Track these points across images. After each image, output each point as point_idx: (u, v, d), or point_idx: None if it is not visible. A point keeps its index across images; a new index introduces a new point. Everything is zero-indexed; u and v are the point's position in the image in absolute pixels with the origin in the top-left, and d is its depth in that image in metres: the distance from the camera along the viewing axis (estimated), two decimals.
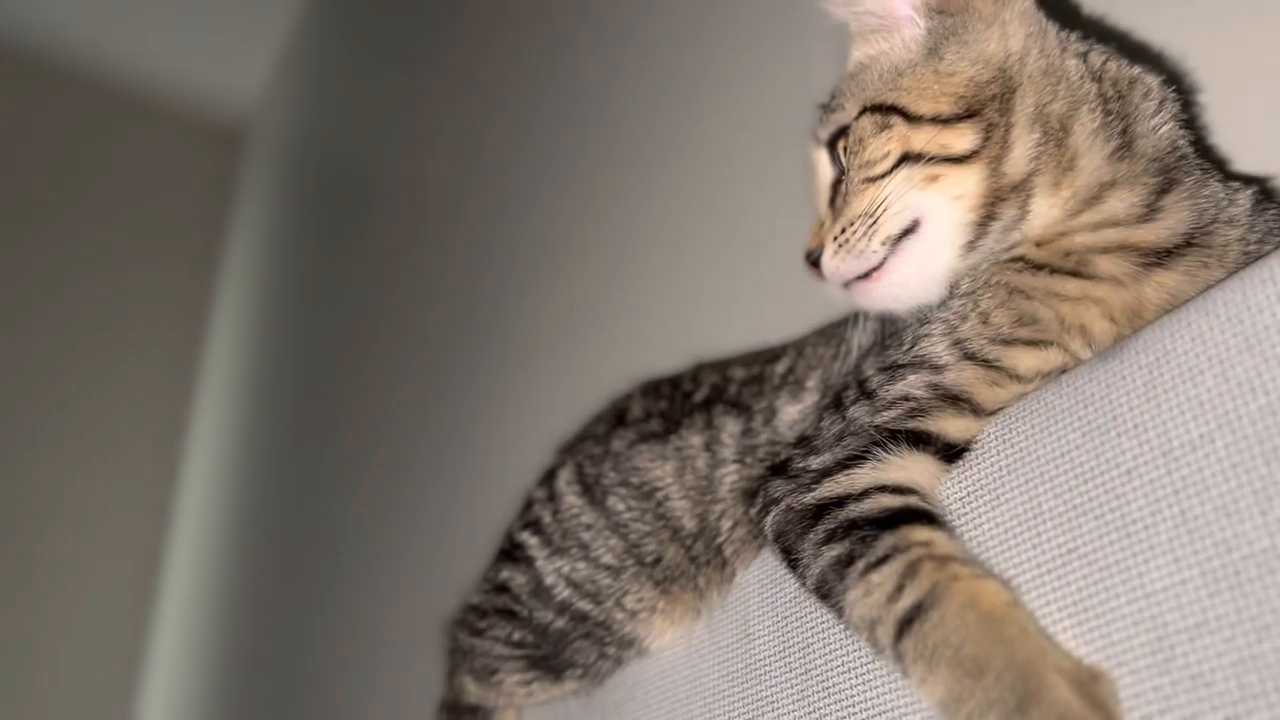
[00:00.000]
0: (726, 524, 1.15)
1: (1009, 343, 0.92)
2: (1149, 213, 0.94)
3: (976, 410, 0.93)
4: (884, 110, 0.98)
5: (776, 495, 1.00)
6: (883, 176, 0.96)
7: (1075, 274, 0.91)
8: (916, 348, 0.96)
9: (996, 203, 0.95)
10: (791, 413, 1.16)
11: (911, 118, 0.96)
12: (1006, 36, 0.97)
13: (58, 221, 5.21)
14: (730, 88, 1.67)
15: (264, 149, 5.31)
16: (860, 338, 1.11)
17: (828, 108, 1.07)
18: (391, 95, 3.10)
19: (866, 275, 0.98)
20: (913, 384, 0.94)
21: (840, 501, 0.92)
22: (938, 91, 0.96)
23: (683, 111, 1.74)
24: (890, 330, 1.09)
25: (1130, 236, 0.93)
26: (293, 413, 3.64)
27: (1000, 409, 0.93)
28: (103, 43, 5.26)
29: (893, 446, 0.92)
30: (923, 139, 0.95)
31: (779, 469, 1.04)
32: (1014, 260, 0.94)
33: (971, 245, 0.96)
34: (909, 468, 0.93)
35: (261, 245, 4.87)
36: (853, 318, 1.22)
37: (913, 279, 0.97)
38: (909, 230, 0.96)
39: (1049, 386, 0.89)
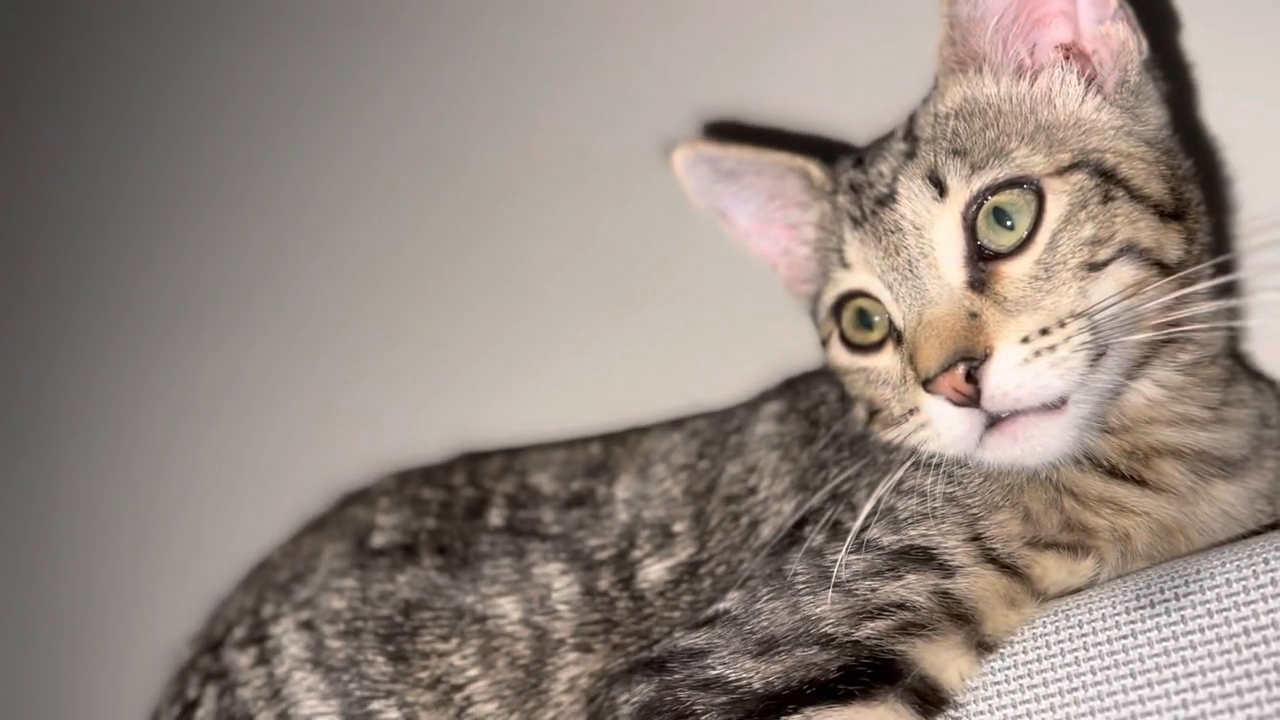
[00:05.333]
0: None
1: (1046, 546, 0.75)
2: (1218, 410, 0.79)
3: (975, 638, 0.74)
4: (1105, 175, 0.73)
5: (688, 709, 0.73)
6: (1102, 266, 0.71)
7: (1137, 480, 0.76)
8: (916, 532, 0.74)
9: (1158, 348, 0.74)
10: (659, 573, 0.88)
11: (1136, 196, 0.73)
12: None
13: None
14: None
15: None
16: (769, 471, 0.88)
17: (960, 150, 0.76)
18: None
19: (1050, 409, 0.70)
20: (913, 587, 0.73)
21: None
22: (1153, 172, 0.75)
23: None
24: (812, 461, 0.87)
25: (1203, 442, 0.77)
26: None
27: (995, 641, 0.75)
28: None
29: (865, 678, 0.71)
30: (1149, 230, 0.73)
31: (682, 661, 0.76)
32: None
33: (1115, 395, 0.74)
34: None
35: None
36: (730, 434, 0.94)
37: (1079, 426, 0.72)
38: (1100, 354, 0.71)
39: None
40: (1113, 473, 0.76)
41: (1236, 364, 0.84)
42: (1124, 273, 0.72)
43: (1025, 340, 0.69)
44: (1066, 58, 0.79)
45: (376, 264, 1.26)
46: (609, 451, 1.00)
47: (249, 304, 1.31)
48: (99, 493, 1.39)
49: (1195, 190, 0.79)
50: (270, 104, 1.34)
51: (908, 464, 0.76)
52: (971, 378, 0.69)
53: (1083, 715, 0.68)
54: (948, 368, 0.69)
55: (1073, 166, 0.73)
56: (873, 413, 0.81)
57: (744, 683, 0.73)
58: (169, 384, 1.35)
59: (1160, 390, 0.76)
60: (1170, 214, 0.75)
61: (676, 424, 1.02)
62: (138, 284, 1.38)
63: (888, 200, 0.77)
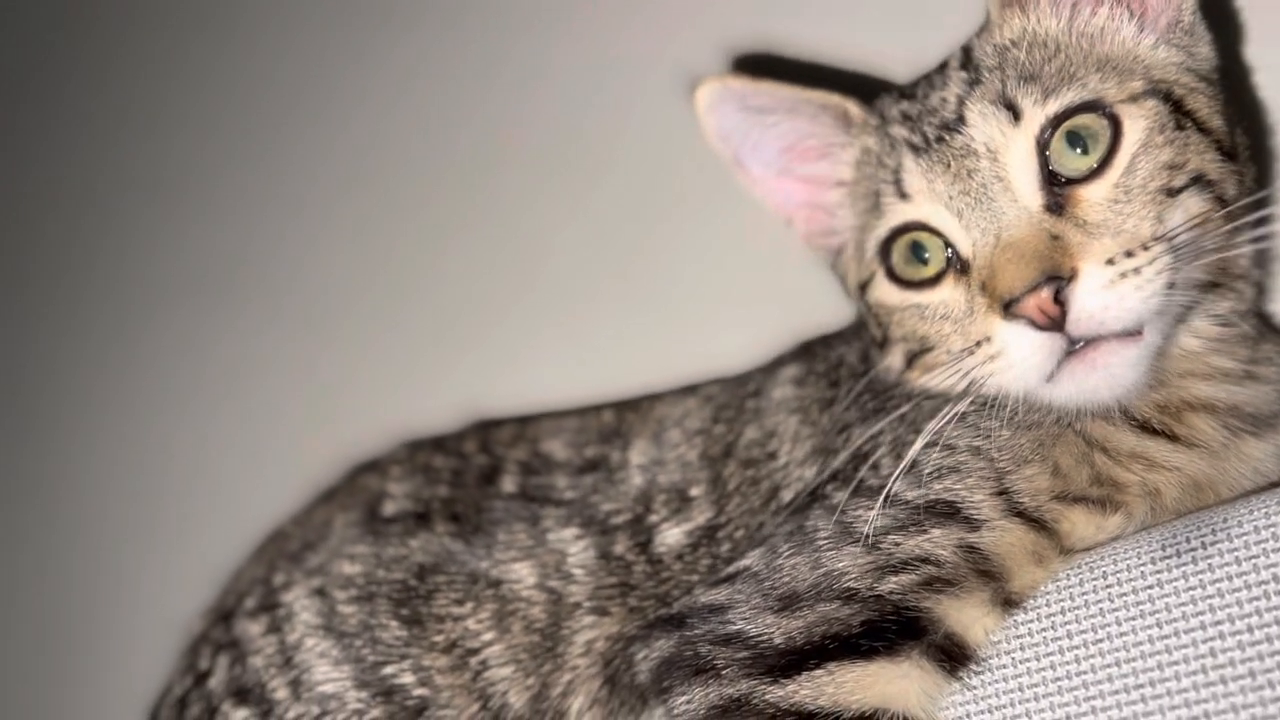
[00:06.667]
0: (577, 703, 0.83)
1: (1075, 501, 0.74)
2: (1249, 366, 0.78)
3: (1001, 594, 0.74)
4: (1175, 104, 0.74)
5: (708, 663, 0.73)
6: (1177, 193, 0.72)
7: (1168, 435, 0.75)
8: (941, 486, 0.74)
9: (1203, 293, 0.75)
10: (676, 536, 0.88)
11: (1202, 129, 0.74)
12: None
13: None
14: None
15: None
16: (789, 436, 0.87)
17: (1030, 76, 0.75)
18: None
19: (1128, 336, 0.70)
20: (939, 541, 0.72)
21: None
22: (1214, 108, 0.76)
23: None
24: (832, 423, 0.86)
25: (1235, 397, 0.77)
26: None
27: (1021, 598, 0.74)
28: None
29: (890, 634, 0.71)
30: (1214, 163, 0.74)
31: (702, 617, 0.76)
32: None
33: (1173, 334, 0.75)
34: (910, 677, 0.71)
35: None
36: (747, 399, 0.93)
37: (1150, 356, 0.72)
38: (1172, 284, 0.71)
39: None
40: (1145, 428, 0.75)
41: (1263, 323, 0.84)
42: (1193, 203, 0.73)
43: (1110, 262, 0.69)
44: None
45: (386, 235, 1.25)
46: (622, 418, 0.99)
47: (260, 278, 1.31)
48: (112, 467, 1.39)
49: (1241, 134, 0.80)
50: (278, 80, 1.34)
51: (950, 410, 0.75)
52: (1058, 299, 0.68)
53: (1109, 666, 0.67)
54: (1034, 288, 0.68)
55: (1145, 94, 0.74)
56: (915, 356, 0.80)
57: (765, 638, 0.73)
58: (182, 358, 1.35)
59: (1197, 341, 0.77)
60: (1227, 152, 0.76)
61: (690, 390, 1.02)
62: (151, 256, 1.38)
63: (955, 125, 0.76)
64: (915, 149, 0.78)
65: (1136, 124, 0.73)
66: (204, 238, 1.34)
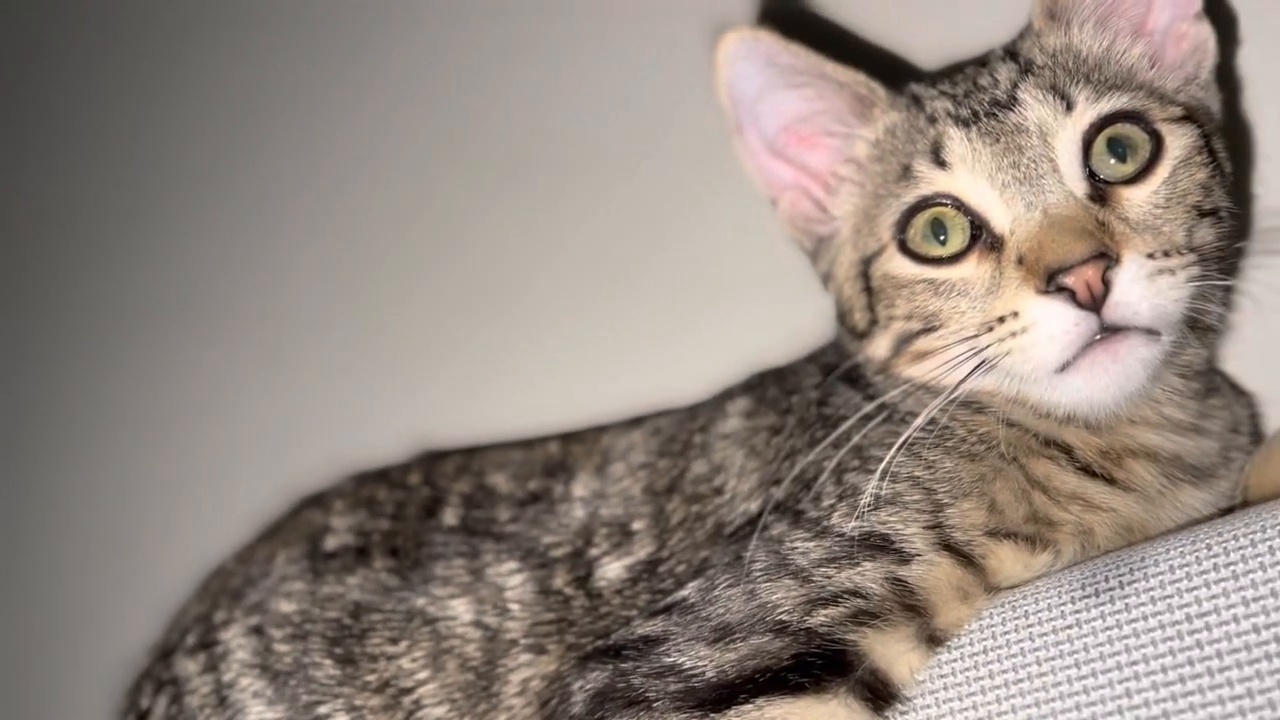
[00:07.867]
0: None
1: (1006, 537, 0.75)
2: (1198, 420, 0.81)
3: (926, 631, 0.74)
4: (1205, 138, 0.78)
5: (641, 695, 0.73)
6: (1205, 216, 0.76)
7: (1106, 479, 0.77)
8: (876, 518, 0.75)
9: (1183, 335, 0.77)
10: (617, 571, 0.87)
11: (1220, 170, 0.79)
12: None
13: None
14: None
15: None
16: (735, 471, 0.87)
17: (1080, 78, 0.78)
18: None
19: (1150, 335, 0.72)
20: (869, 574, 0.73)
21: None
22: (1225, 156, 0.81)
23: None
24: (777, 453, 0.87)
25: (1180, 447, 0.79)
26: None
27: (945, 635, 0.75)
28: None
29: (817, 668, 0.71)
30: (1225, 203, 0.78)
31: (637, 649, 0.77)
32: (1048, 445, 0.78)
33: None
34: (837, 716, 0.71)
35: None
36: (694, 433, 0.94)
37: (1158, 365, 0.75)
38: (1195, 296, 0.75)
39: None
40: (1086, 470, 0.77)
41: (1215, 377, 0.86)
42: (1209, 233, 0.76)
43: (1151, 256, 0.71)
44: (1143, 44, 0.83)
45: (335, 270, 1.26)
46: (567, 450, 1.00)
47: (205, 310, 1.32)
48: (58, 500, 1.39)
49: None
50: (239, 113, 1.35)
51: (928, 411, 0.76)
52: (1104, 279, 0.70)
53: (1029, 707, 0.68)
54: (1085, 262, 0.69)
55: (1185, 119, 0.78)
56: (911, 338, 0.80)
57: (698, 670, 0.73)
58: (127, 391, 1.35)
59: (1159, 389, 0.79)
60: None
61: (636, 422, 1.02)
62: (94, 289, 1.39)
63: (1008, 105, 0.78)
64: (961, 121, 0.79)
65: (1179, 141, 0.76)
66: (150, 270, 1.34)
